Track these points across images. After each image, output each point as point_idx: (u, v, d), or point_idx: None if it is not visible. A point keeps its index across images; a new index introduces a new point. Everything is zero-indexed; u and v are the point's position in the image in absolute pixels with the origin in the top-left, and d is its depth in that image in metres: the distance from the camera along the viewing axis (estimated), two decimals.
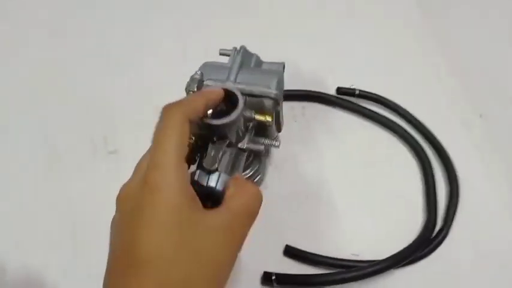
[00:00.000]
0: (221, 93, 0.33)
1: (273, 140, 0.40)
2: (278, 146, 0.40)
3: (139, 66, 0.58)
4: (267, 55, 0.59)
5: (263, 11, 0.65)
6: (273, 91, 0.40)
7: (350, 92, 0.56)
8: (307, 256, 0.46)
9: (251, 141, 0.39)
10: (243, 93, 0.38)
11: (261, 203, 0.31)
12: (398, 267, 0.46)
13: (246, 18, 0.64)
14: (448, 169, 0.52)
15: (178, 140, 0.26)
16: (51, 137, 0.52)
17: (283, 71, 0.46)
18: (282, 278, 0.44)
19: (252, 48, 0.59)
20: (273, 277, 0.43)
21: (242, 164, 0.39)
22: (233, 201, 0.29)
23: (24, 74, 0.57)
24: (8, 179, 0.49)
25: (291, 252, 0.46)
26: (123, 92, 0.55)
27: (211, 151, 0.35)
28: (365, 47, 0.62)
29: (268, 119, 0.39)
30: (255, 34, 0.62)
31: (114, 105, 0.54)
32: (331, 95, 0.56)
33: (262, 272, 0.44)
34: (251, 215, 0.30)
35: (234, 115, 0.34)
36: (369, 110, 0.56)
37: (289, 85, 0.57)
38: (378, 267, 0.44)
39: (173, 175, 0.25)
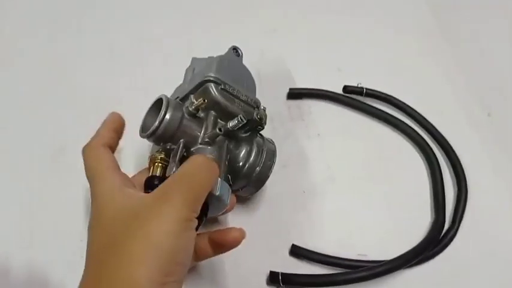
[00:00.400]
0: (117, 115, 0.38)
1: (234, 120, 0.37)
2: (243, 120, 0.36)
3: (144, 64, 0.58)
4: (272, 53, 0.59)
5: (269, 8, 0.64)
6: (210, 74, 0.39)
7: (357, 90, 0.55)
8: (313, 256, 0.45)
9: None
10: (190, 93, 0.40)
11: (205, 167, 0.32)
12: (406, 268, 0.45)
13: (252, 15, 0.63)
14: (456, 168, 0.52)
15: (97, 160, 0.34)
16: (55, 134, 0.51)
17: (240, 55, 0.46)
18: (288, 277, 0.43)
19: (257, 46, 0.59)
20: (279, 277, 0.43)
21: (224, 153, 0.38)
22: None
23: (28, 71, 0.56)
24: (13, 176, 0.49)
25: (297, 251, 0.46)
26: (128, 90, 0.55)
27: (170, 160, 0.36)
28: (372, 45, 0.62)
29: (200, 99, 0.37)
30: (260, 32, 0.62)
31: (118, 103, 0.53)
32: (338, 94, 0.56)
33: (268, 272, 0.44)
34: (186, 179, 0.31)
35: (157, 121, 0.35)
36: (376, 108, 0.55)
37: (295, 83, 0.57)
38: (386, 267, 0.43)
39: (101, 184, 0.32)
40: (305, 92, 0.56)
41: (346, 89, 0.56)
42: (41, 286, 0.43)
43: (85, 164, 0.34)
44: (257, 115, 0.40)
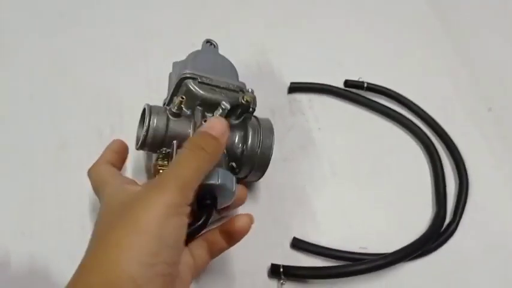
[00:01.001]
0: (118, 141, 0.41)
1: (219, 109, 0.38)
2: (227, 106, 0.37)
3: (147, 57, 0.57)
4: (274, 47, 0.59)
5: (270, 2, 0.64)
6: (185, 71, 0.40)
7: (358, 84, 0.55)
8: (314, 248, 0.45)
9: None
10: (173, 95, 0.41)
11: (191, 155, 0.32)
12: (407, 261, 0.45)
13: (253, 9, 0.63)
14: (457, 162, 0.52)
15: (99, 174, 0.36)
16: (58, 126, 0.51)
17: (216, 46, 0.47)
18: (290, 270, 0.43)
19: (258, 40, 0.59)
20: (281, 269, 0.43)
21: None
22: None
23: (28, 67, 0.56)
24: (16, 169, 0.49)
25: (298, 244, 0.46)
26: (131, 82, 0.55)
27: (168, 163, 0.37)
28: (373, 39, 0.62)
29: (179, 97, 0.38)
30: (261, 26, 0.62)
31: (121, 96, 0.53)
32: (339, 88, 0.56)
33: (270, 264, 0.44)
34: (174, 168, 0.31)
35: (143, 131, 0.37)
36: (377, 103, 0.55)
37: (296, 77, 0.57)
38: (387, 260, 0.43)
39: (106, 189, 0.34)
40: (306, 86, 0.56)
41: (347, 83, 0.56)
42: (42, 278, 0.43)
43: (90, 182, 0.37)
44: (243, 98, 0.40)
